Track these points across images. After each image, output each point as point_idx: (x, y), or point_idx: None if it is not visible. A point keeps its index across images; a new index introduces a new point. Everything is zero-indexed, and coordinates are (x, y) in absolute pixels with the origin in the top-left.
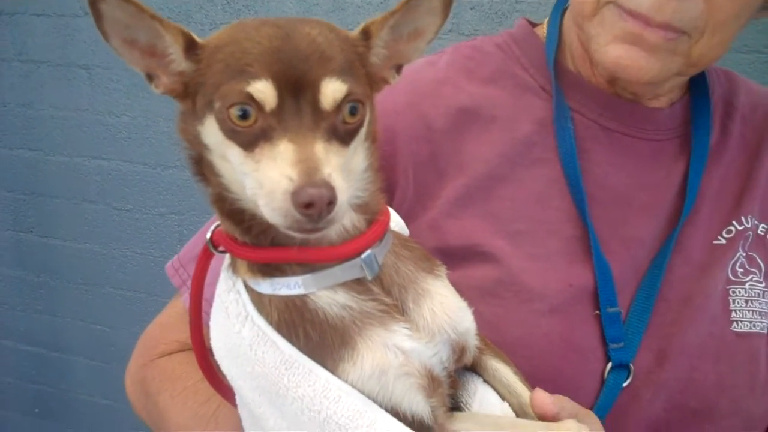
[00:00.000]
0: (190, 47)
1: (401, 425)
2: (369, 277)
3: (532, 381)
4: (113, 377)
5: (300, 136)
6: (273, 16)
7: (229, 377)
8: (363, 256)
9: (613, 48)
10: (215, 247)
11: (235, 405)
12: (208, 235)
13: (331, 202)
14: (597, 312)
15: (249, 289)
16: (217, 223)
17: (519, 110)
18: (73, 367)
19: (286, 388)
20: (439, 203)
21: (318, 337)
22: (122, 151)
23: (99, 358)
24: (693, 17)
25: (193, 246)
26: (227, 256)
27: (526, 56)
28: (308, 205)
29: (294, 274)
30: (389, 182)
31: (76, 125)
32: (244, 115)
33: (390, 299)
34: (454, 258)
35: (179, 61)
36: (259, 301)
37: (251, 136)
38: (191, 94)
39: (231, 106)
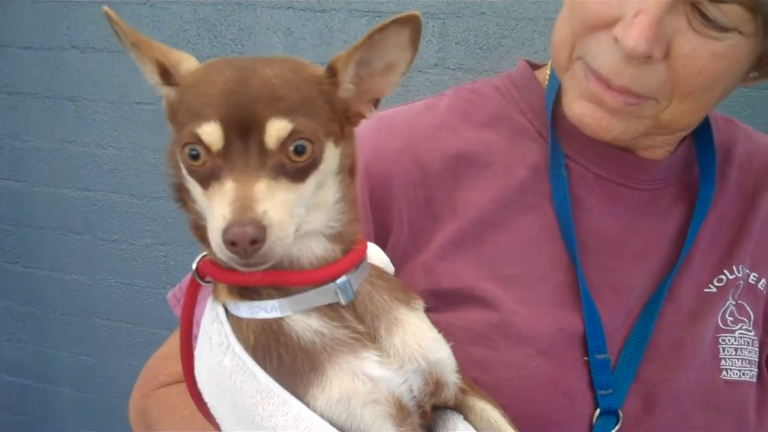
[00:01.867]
0: (166, 75)
1: None
2: (343, 302)
3: (520, 424)
4: (98, 408)
5: (244, 175)
6: (261, 50)
7: (210, 407)
8: (338, 281)
9: (578, 104)
10: (201, 277)
11: None
12: (194, 266)
13: (256, 241)
14: (586, 358)
15: (229, 317)
16: (205, 252)
17: (515, 156)
18: (58, 398)
19: (260, 417)
20: (432, 247)
21: (290, 361)
22: (108, 182)
23: (84, 389)
24: (654, 85)
25: None
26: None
27: (525, 100)
28: (233, 243)
29: (270, 297)
30: (384, 225)
31: (62, 157)
32: (195, 156)
33: (363, 327)
34: (446, 301)
35: (159, 87)
36: (238, 326)
37: (204, 175)
38: (172, 121)
39: (184, 146)
